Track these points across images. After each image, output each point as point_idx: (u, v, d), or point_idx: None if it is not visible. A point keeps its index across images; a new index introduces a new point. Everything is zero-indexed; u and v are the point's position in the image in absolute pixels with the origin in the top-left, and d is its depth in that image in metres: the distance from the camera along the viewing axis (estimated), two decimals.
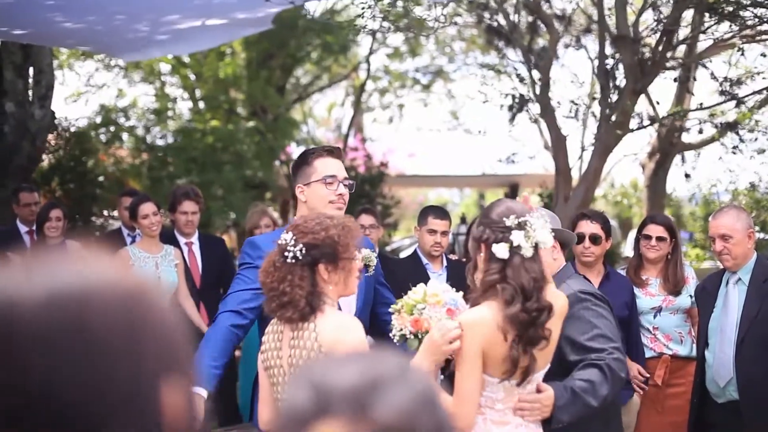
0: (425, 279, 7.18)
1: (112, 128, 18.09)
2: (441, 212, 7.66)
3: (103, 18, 9.44)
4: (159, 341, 1.22)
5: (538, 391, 4.01)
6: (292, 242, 3.97)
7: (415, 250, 7.71)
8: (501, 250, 3.80)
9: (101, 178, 14.47)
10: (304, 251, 3.95)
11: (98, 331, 1.15)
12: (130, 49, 11.42)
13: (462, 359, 3.81)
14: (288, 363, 4.01)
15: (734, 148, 11.07)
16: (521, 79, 11.74)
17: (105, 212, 13.88)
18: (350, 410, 1.26)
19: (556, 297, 4.04)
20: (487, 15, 12.08)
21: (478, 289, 3.90)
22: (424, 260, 7.48)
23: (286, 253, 3.96)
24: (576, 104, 11.52)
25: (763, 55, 10.09)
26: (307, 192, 5.00)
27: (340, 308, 4.68)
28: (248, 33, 14.01)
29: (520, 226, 3.81)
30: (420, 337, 4.03)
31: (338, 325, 3.95)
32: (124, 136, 18.77)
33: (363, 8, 8.68)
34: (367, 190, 16.80)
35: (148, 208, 7.88)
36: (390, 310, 4.29)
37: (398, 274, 7.33)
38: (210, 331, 4.82)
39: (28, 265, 1.22)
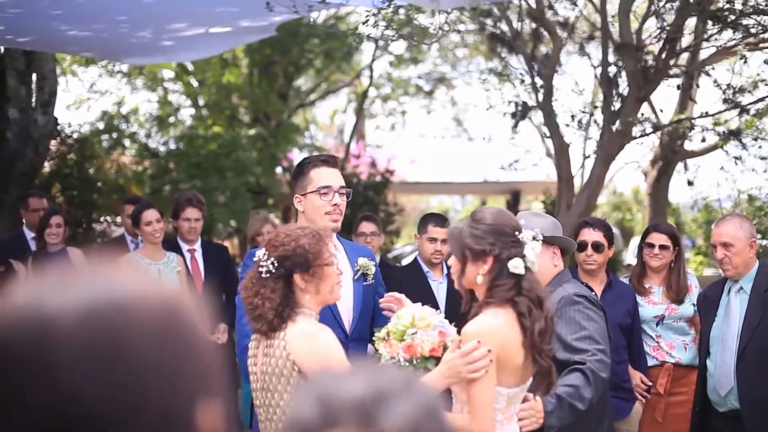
0: (426, 287, 7.25)
1: (114, 135, 18.10)
2: (441, 220, 7.64)
3: (108, 25, 9.47)
4: (194, 361, 1.22)
5: (524, 400, 4.02)
6: (265, 257, 4.08)
7: (416, 258, 7.70)
8: (520, 267, 3.77)
9: (100, 184, 14.45)
10: (276, 264, 4.04)
11: (135, 348, 1.15)
12: (133, 54, 11.44)
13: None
14: (261, 371, 4.13)
15: (737, 158, 11.05)
16: (525, 87, 11.73)
17: (107, 219, 13.88)
18: (357, 422, 1.26)
19: None
20: (490, 22, 12.09)
21: (484, 301, 3.84)
22: (425, 268, 7.48)
23: (260, 269, 4.07)
24: (583, 112, 11.52)
25: (767, 62, 10.09)
26: (304, 202, 5.02)
27: (338, 315, 4.71)
28: (251, 40, 14.02)
29: (530, 241, 3.81)
30: (415, 363, 3.92)
31: (303, 332, 4.02)
32: (127, 142, 18.79)
33: (367, 16, 8.68)
34: (371, 197, 16.79)
35: (151, 214, 7.87)
36: (374, 338, 4.18)
37: (399, 282, 7.34)
38: (240, 347, 4.78)
39: (63, 276, 1.21)
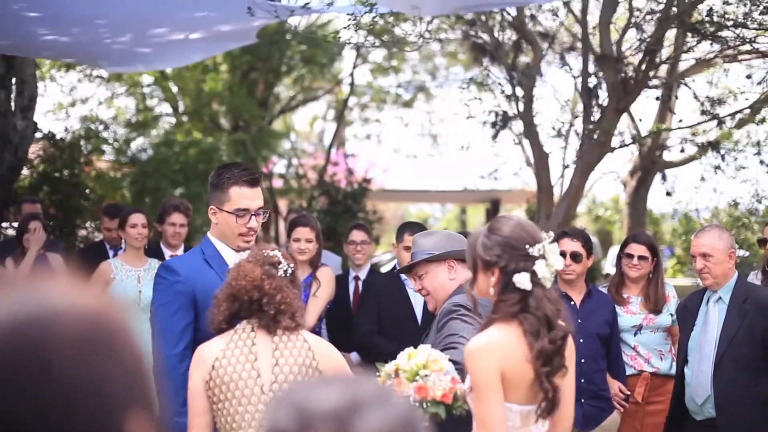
0: (404, 295, 7.24)
1: (92, 140, 18.04)
2: (417, 228, 7.58)
3: (87, 30, 9.41)
4: (122, 373, 1.19)
5: None
6: (278, 259, 4.19)
7: (395, 266, 7.71)
8: (525, 281, 3.61)
9: (88, 191, 14.42)
10: (290, 271, 4.21)
11: (63, 361, 1.13)
12: (113, 61, 11.38)
13: (480, 388, 3.59)
14: (272, 374, 4.11)
15: (716, 168, 11.13)
16: (507, 96, 11.76)
17: (90, 224, 13.85)
18: (331, 430, 1.28)
19: None
20: (472, 32, 12.14)
21: (490, 317, 3.73)
22: (403, 276, 7.49)
23: (279, 266, 4.17)
24: (561, 122, 11.58)
25: (748, 76, 10.18)
26: (218, 216, 4.83)
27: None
28: (232, 47, 14.00)
29: (543, 255, 3.65)
30: (425, 406, 3.76)
31: (318, 339, 4.25)
32: (106, 148, 18.73)
33: (349, 21, 8.70)
34: (350, 205, 16.79)
35: (137, 218, 7.85)
36: (379, 374, 3.98)
37: (378, 289, 7.35)
38: (170, 376, 4.55)
39: None
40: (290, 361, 4.14)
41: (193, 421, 4.16)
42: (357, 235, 8.36)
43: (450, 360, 4.02)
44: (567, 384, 3.77)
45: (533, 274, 3.61)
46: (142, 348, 1.26)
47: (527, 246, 3.62)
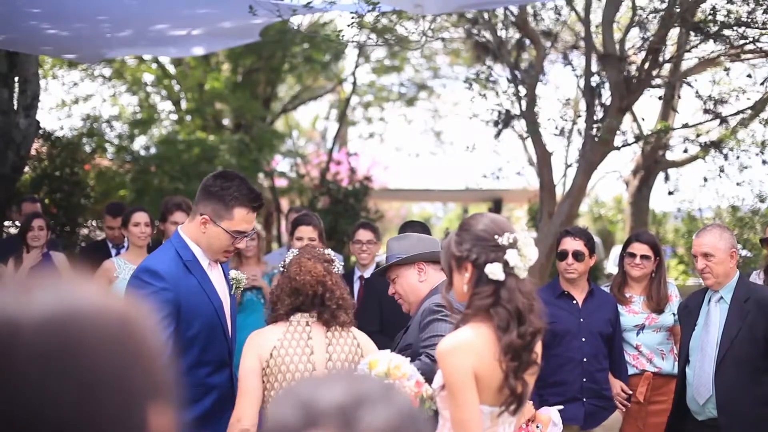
0: None
1: (95, 139, 18.05)
2: (419, 227, 7.58)
3: (89, 25, 9.40)
4: (146, 368, 1.23)
5: None
6: (331, 257, 4.68)
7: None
8: (497, 271, 3.53)
9: (89, 189, 14.43)
10: (341, 269, 4.67)
11: (91, 354, 1.17)
12: (115, 47, 11.30)
13: (454, 388, 3.50)
14: (325, 369, 4.45)
15: (720, 170, 11.12)
16: (511, 94, 11.75)
17: (91, 223, 13.86)
18: (336, 425, 1.28)
19: None
20: (474, 30, 12.13)
21: (464, 313, 3.65)
22: None
23: (333, 263, 4.60)
24: (565, 120, 11.57)
25: (749, 75, 10.16)
26: (210, 228, 4.69)
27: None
28: (235, 44, 13.97)
29: (514, 245, 3.58)
30: None
31: (366, 338, 4.70)
32: (108, 146, 18.73)
33: (352, 19, 8.68)
34: (351, 204, 16.78)
35: (141, 216, 7.86)
36: None
37: (379, 287, 7.35)
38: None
39: (27, 282, 1.22)
40: (342, 357, 4.48)
41: (243, 399, 4.39)
42: (363, 235, 8.29)
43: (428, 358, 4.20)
44: (533, 380, 3.75)
45: (505, 264, 3.54)
46: (164, 344, 1.30)
47: (496, 236, 3.56)
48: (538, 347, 3.68)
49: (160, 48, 12.56)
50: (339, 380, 1.36)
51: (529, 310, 3.56)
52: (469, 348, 3.50)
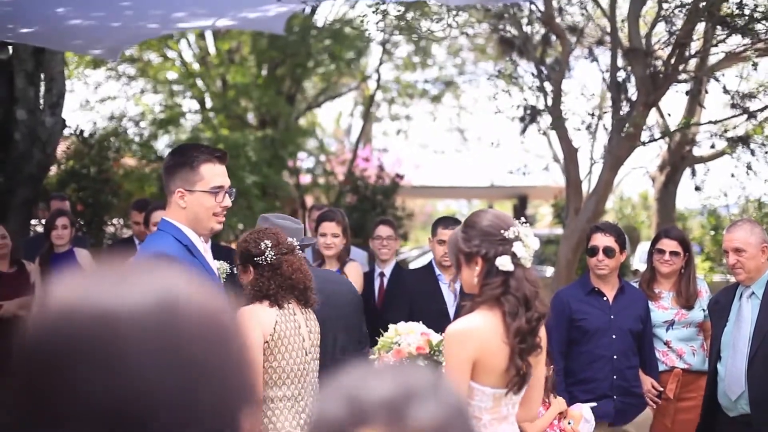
0: (437, 289, 7.25)
1: (120, 137, 18.12)
2: (450, 222, 7.59)
3: (112, 14, 9.39)
4: (240, 368, 1.24)
5: None
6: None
7: (431, 261, 7.68)
8: (506, 263, 3.83)
9: (116, 187, 14.50)
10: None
11: (191, 351, 1.17)
12: (139, 36, 11.25)
13: (450, 368, 3.83)
14: (309, 340, 5.12)
15: (747, 166, 11.03)
16: (536, 90, 11.70)
17: (118, 221, 13.92)
18: (385, 420, 1.26)
19: None
20: (500, 26, 12.09)
21: (474, 300, 3.94)
22: (437, 271, 7.46)
23: (299, 252, 5.34)
24: (591, 115, 11.51)
25: None
26: (188, 198, 4.57)
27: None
28: (260, 28, 13.91)
29: (519, 237, 3.87)
30: (405, 363, 4.20)
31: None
32: (134, 145, 18.80)
33: (375, 12, 8.65)
34: (380, 201, 16.76)
35: (161, 215, 7.87)
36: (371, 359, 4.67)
37: (410, 284, 7.32)
38: None
39: (119, 273, 1.23)
40: (315, 330, 5.21)
41: None
42: (383, 231, 8.32)
43: None
44: (539, 371, 4.10)
45: (513, 256, 3.84)
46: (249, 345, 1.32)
47: (502, 230, 3.86)
48: (542, 332, 4.00)
49: (185, 25, 12.52)
50: (386, 373, 1.34)
51: (534, 296, 3.89)
52: (476, 335, 3.83)
